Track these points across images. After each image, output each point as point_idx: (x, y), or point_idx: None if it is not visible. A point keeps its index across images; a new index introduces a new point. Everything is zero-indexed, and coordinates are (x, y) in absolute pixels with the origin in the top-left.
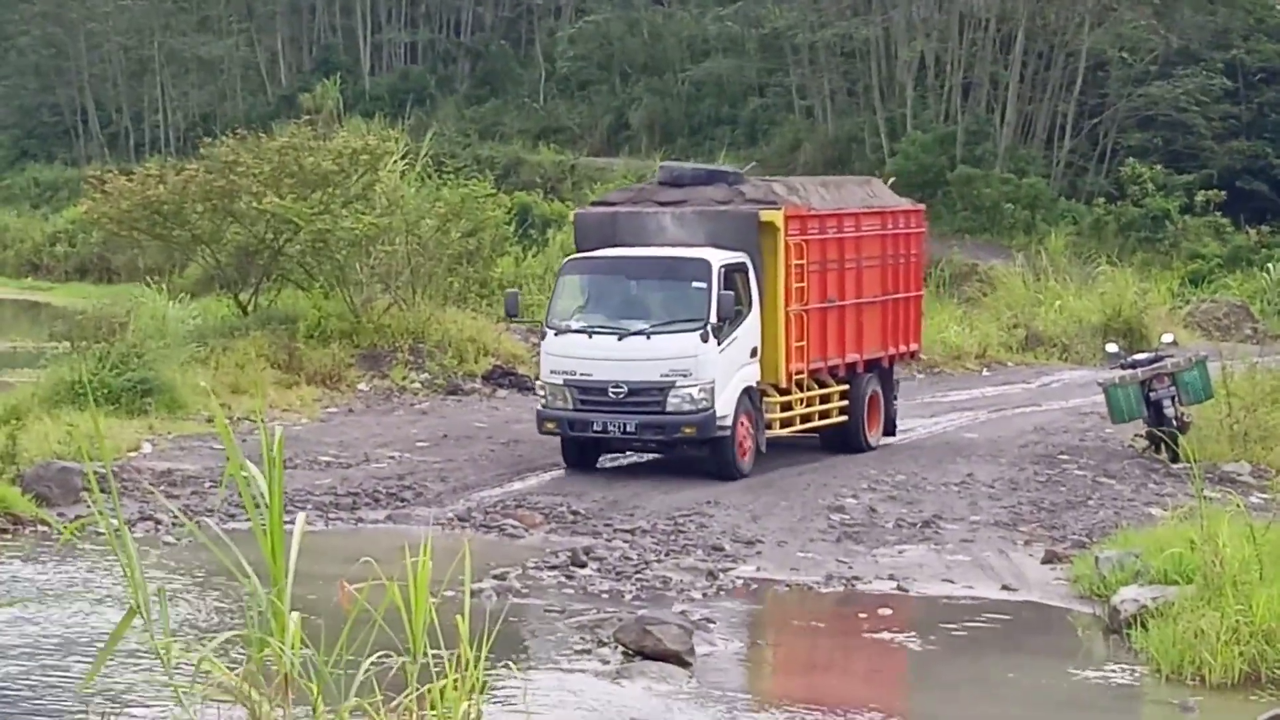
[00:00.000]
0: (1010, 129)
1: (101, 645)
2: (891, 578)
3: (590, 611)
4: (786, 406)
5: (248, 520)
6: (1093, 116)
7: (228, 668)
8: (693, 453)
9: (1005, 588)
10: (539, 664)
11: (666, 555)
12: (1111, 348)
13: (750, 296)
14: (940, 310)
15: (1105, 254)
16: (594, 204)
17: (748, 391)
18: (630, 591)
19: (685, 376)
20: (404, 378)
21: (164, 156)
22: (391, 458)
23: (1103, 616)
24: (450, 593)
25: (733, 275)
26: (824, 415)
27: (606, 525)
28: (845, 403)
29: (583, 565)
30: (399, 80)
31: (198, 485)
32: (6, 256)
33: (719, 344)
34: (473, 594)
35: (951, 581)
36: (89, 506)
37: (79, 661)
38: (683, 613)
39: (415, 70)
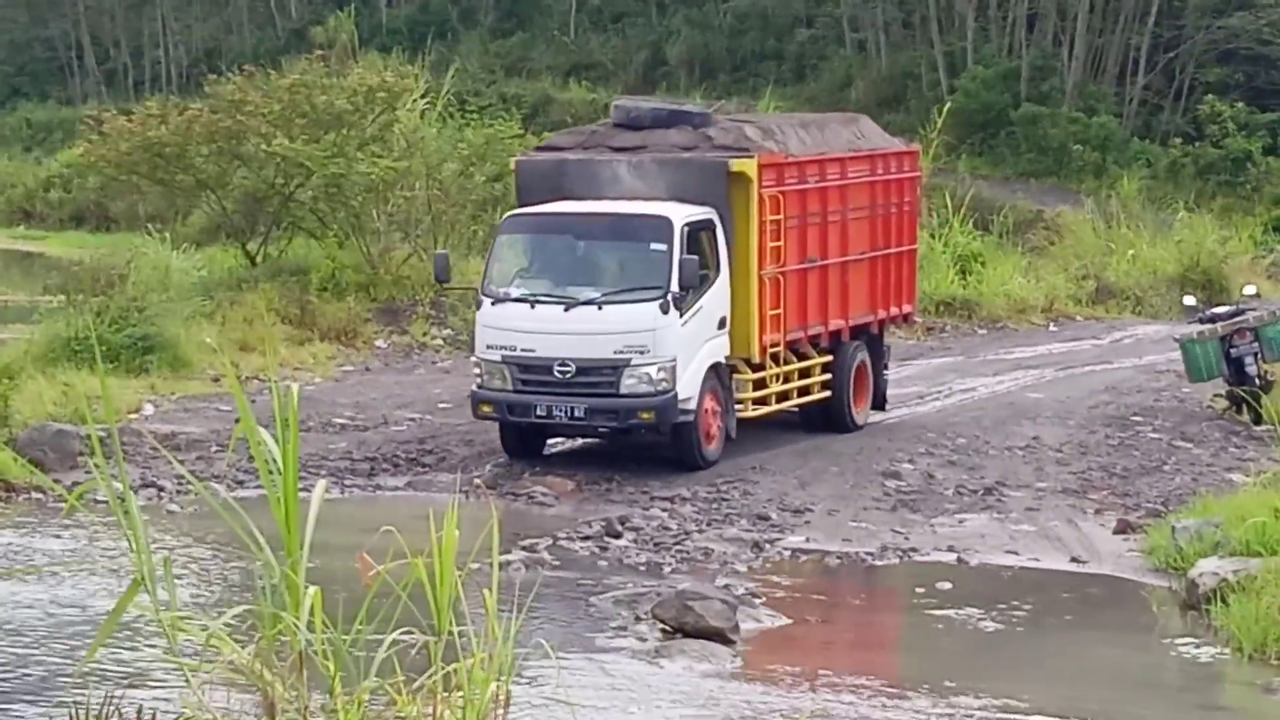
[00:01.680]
0: (1079, 64)
1: (103, 620)
2: (951, 549)
3: (626, 585)
4: (760, 384)
5: (257, 487)
6: (1169, 50)
7: (238, 645)
8: (651, 439)
9: (1074, 560)
10: (572, 642)
11: (708, 525)
12: (1189, 300)
13: (718, 259)
14: (1003, 260)
15: (1182, 199)
16: (539, 149)
17: (715, 369)
18: (669, 564)
19: (642, 354)
20: (425, 333)
21: (166, 95)
22: (412, 420)
23: (1179, 591)
24: (476, 565)
25: (698, 235)
26: (804, 392)
27: (644, 493)
28: (828, 376)
29: (618, 536)
30: (418, 12)
31: (203, 449)
32: None
33: (681, 315)
34: (500, 567)
35: (1016, 553)
36: (87, 472)
37: (79, 638)
38: (726, 587)
39: (436, 1)
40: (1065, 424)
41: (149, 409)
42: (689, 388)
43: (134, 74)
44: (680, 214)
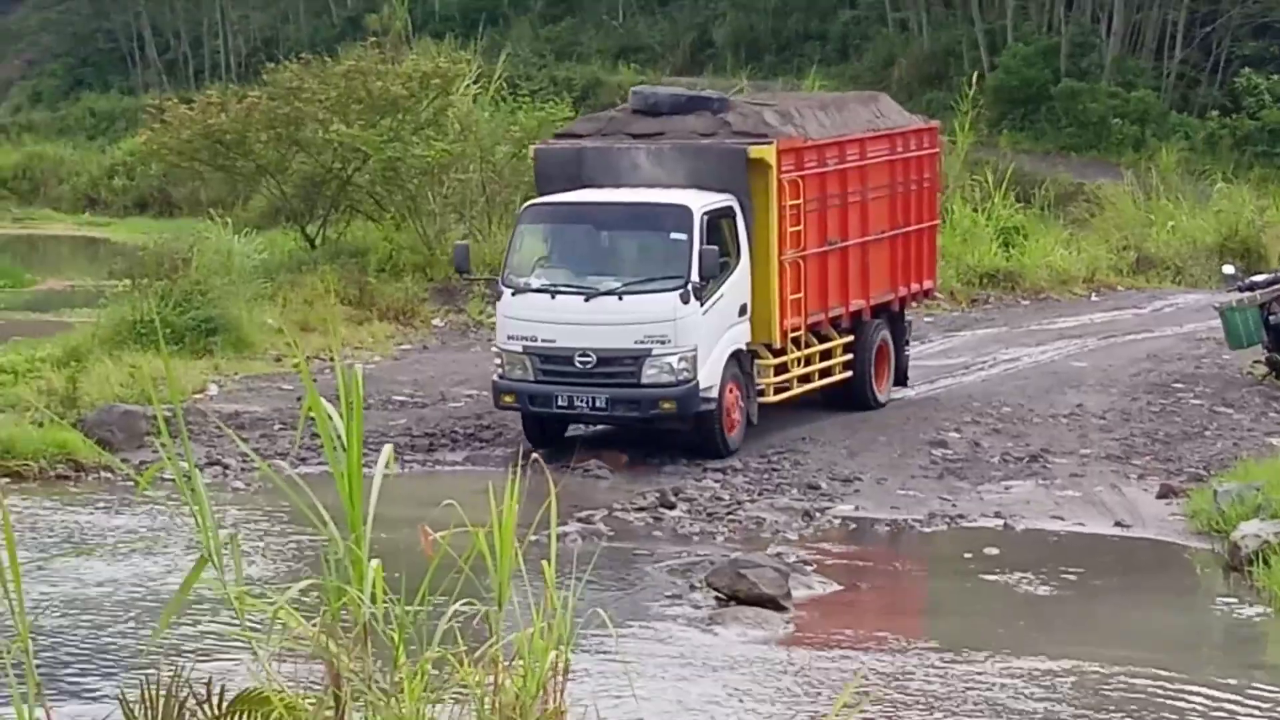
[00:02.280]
0: (1117, 39)
1: (171, 596)
2: (998, 515)
3: (681, 555)
4: (782, 369)
5: (319, 464)
6: (1205, 24)
7: (304, 618)
8: (673, 427)
9: (1118, 524)
10: (628, 611)
11: (760, 494)
12: (1228, 269)
13: (738, 245)
14: (1045, 233)
15: (1220, 170)
16: (558, 135)
17: (736, 356)
18: (722, 533)
19: (663, 343)
20: (480, 312)
21: (225, 83)
22: (469, 396)
23: (1222, 553)
24: (534, 537)
25: (718, 222)
26: (825, 373)
27: (696, 464)
28: (849, 356)
29: (672, 506)
30: None
31: (266, 427)
32: (63, 191)
33: (702, 305)
34: (558, 538)
35: (1061, 518)
36: (154, 451)
37: (149, 613)
38: (778, 555)
39: None
40: (1108, 392)
41: (213, 389)
42: (710, 376)
43: (194, 63)
44: (700, 202)
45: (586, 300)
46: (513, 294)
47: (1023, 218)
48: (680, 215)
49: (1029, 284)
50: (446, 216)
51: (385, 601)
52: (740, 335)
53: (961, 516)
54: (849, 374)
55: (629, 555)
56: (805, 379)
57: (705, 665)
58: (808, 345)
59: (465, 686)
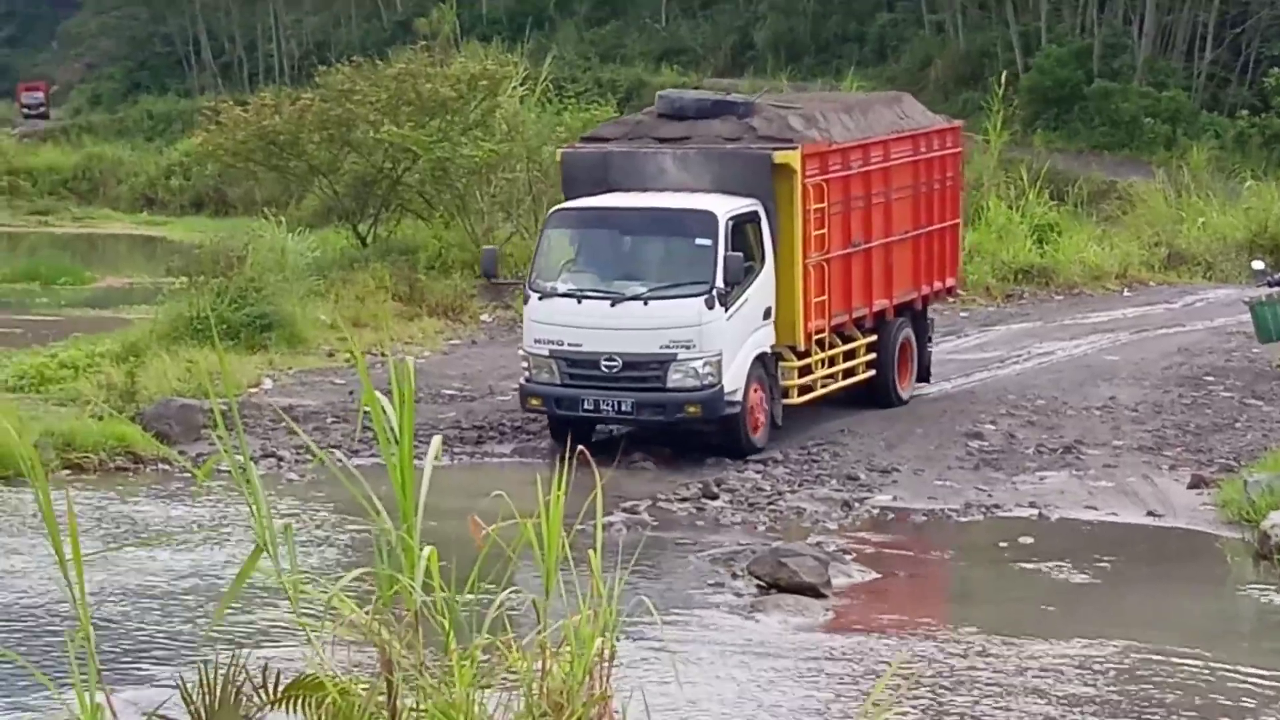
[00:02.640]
0: (1149, 40)
1: (228, 585)
2: (1032, 505)
3: (723, 544)
4: (806, 371)
5: (371, 456)
6: (1234, 26)
7: (357, 606)
8: (699, 429)
9: (1150, 514)
10: (672, 599)
11: (800, 485)
12: (1258, 264)
13: (763, 250)
14: (1078, 230)
15: (1250, 168)
16: (584, 139)
17: (760, 359)
18: (763, 523)
19: (688, 348)
20: None
21: (278, 86)
22: (516, 390)
23: (1252, 542)
24: (581, 527)
25: (743, 227)
26: (849, 373)
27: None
28: (872, 355)
29: (714, 497)
30: (517, 3)
31: (320, 420)
32: (121, 191)
33: (726, 310)
34: (604, 528)
35: (1095, 508)
36: (210, 444)
37: (206, 601)
38: (818, 544)
39: None
40: (1140, 384)
41: (268, 383)
42: (735, 380)
43: (248, 66)
44: (725, 208)
45: (613, 305)
46: (539, 298)
47: (1056, 215)
48: (705, 221)
49: (1063, 279)
50: (494, 215)
51: (437, 589)
52: (765, 339)
53: (997, 506)
54: (872, 373)
55: (673, 544)
56: (829, 380)
57: (747, 652)
58: (831, 346)
59: (514, 673)
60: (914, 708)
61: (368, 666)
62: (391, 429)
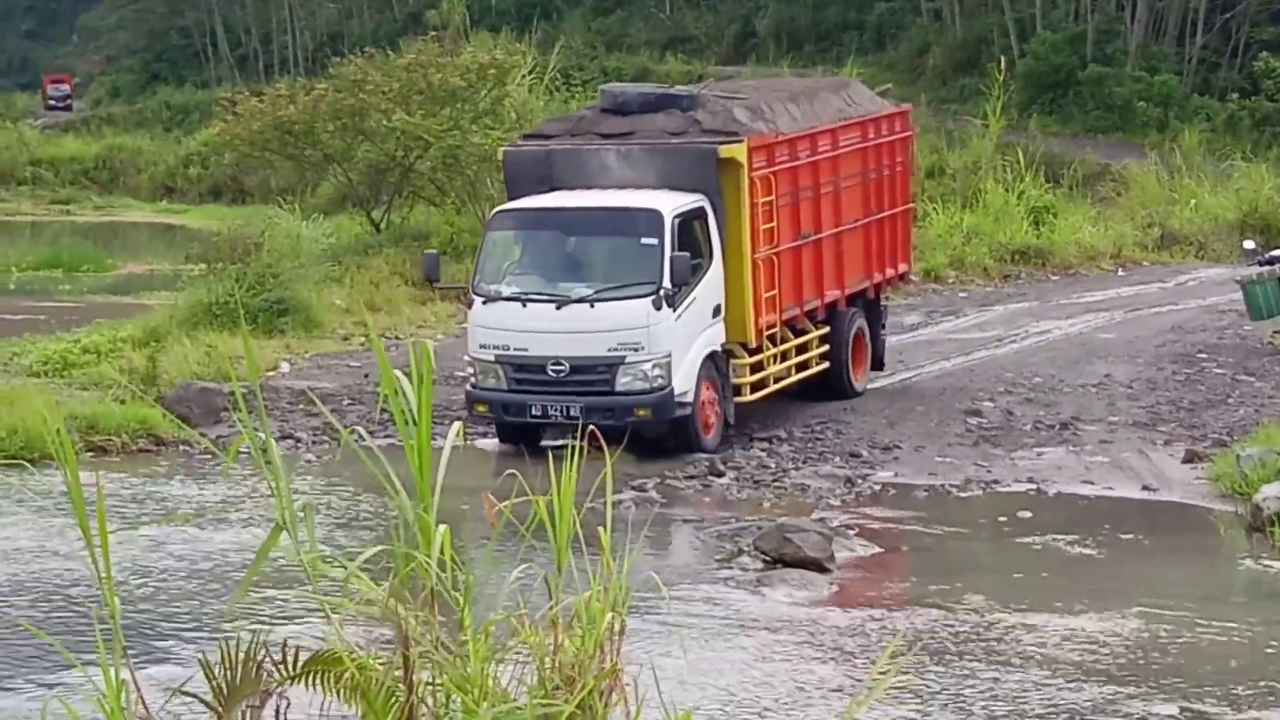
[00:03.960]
0: (1141, 26)
1: (249, 563)
2: (1030, 480)
3: (729, 520)
4: (758, 367)
5: (386, 437)
6: (1225, 11)
7: (374, 583)
8: (649, 432)
9: (1145, 488)
10: (680, 574)
11: (804, 462)
12: (1248, 244)
13: (711, 247)
14: (1074, 211)
15: (1240, 150)
16: (525, 137)
17: (711, 357)
18: (769, 500)
19: (636, 350)
20: None
21: (293, 77)
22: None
23: (1245, 515)
24: (591, 505)
25: (689, 224)
26: (803, 367)
27: (744, 433)
28: (826, 348)
29: (720, 475)
30: None
31: (336, 403)
32: (141, 180)
33: (674, 310)
34: (614, 505)
35: (1091, 483)
36: (229, 426)
37: (227, 579)
38: (822, 520)
39: None
40: (1135, 362)
41: (285, 367)
42: (685, 381)
43: (264, 58)
44: (670, 205)
45: (558, 308)
46: (484, 302)
47: (1052, 197)
48: (651, 219)
49: (1058, 260)
50: (504, 201)
51: (452, 566)
52: (715, 337)
53: (996, 482)
54: (826, 365)
55: (680, 521)
56: (782, 376)
57: (754, 625)
58: (783, 340)
59: (527, 647)
60: (918, 678)
61: (385, 642)
62: (410, 410)
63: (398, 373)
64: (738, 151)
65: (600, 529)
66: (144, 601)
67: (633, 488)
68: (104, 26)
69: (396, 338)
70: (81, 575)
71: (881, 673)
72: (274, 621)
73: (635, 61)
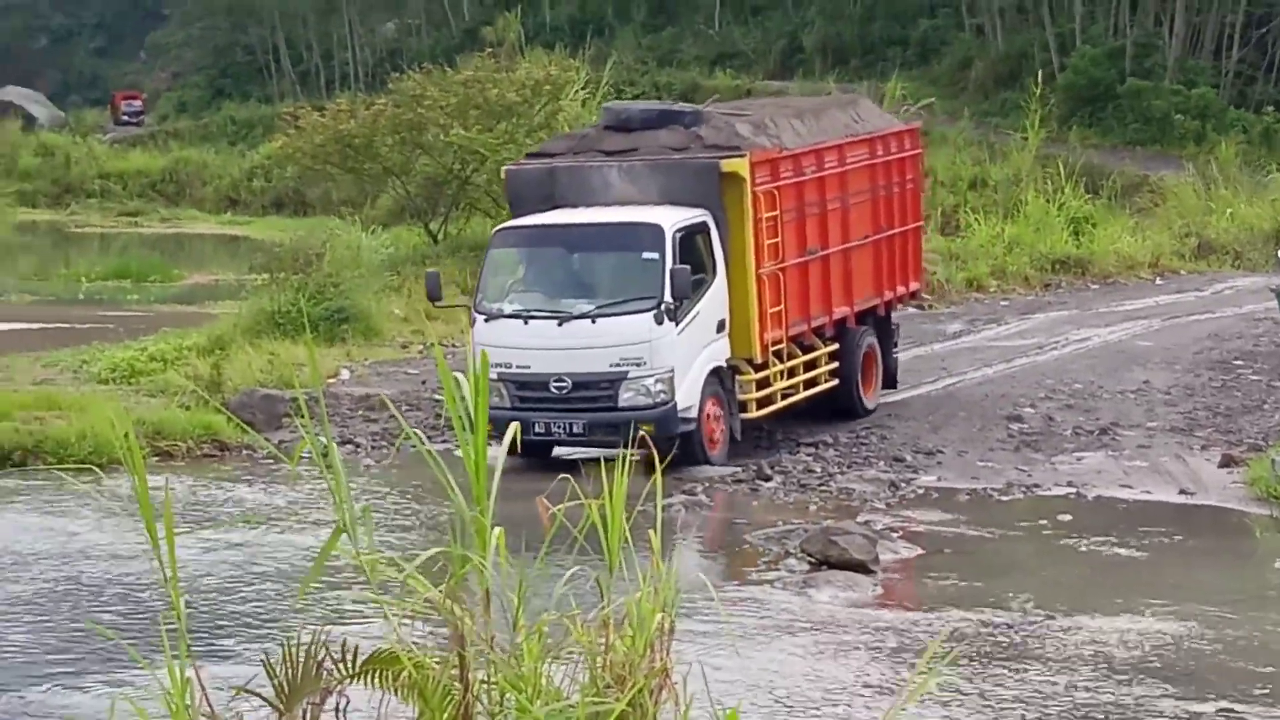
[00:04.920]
0: (1179, 40)
1: (310, 564)
2: (1070, 484)
3: (776, 523)
4: (764, 383)
5: (442, 443)
6: (1260, 26)
7: (431, 584)
8: (655, 449)
9: (1182, 492)
10: (728, 575)
11: (849, 467)
12: None
13: (714, 261)
14: (1113, 221)
15: (1275, 162)
16: (529, 156)
17: (716, 373)
18: (815, 503)
19: (639, 365)
20: None
21: (354, 92)
22: None
23: (1279, 517)
24: (642, 508)
25: (691, 239)
26: (811, 384)
27: (790, 439)
28: (835, 364)
29: (768, 479)
30: (578, 11)
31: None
32: (206, 193)
33: (677, 324)
34: (664, 509)
35: (1130, 487)
36: (291, 432)
37: (288, 580)
38: (866, 523)
39: (593, 0)
40: (1172, 369)
41: (345, 374)
42: (689, 396)
43: (325, 74)
44: (671, 219)
45: (560, 325)
46: (486, 320)
47: (1091, 208)
48: (652, 234)
49: (1098, 269)
50: None
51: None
52: (719, 352)
53: (1037, 486)
54: (835, 383)
55: (729, 524)
56: (790, 392)
57: (800, 626)
58: (790, 357)
59: (579, 647)
60: (960, 677)
61: (441, 641)
62: (467, 415)
63: (458, 375)
64: (740, 166)
65: (651, 531)
66: (208, 602)
67: (683, 492)
68: (171, 44)
69: (454, 346)
70: (147, 576)
71: (924, 672)
72: (334, 621)
73: (685, 76)
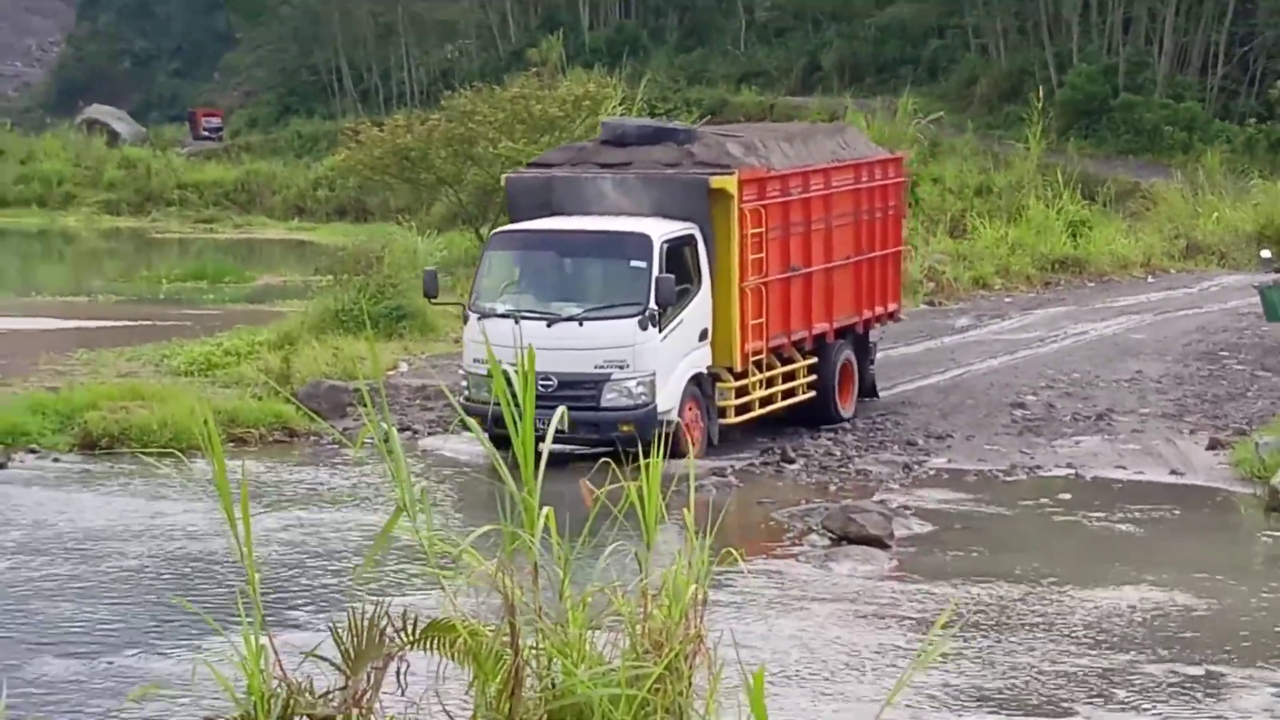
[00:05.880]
0: (1168, 58)
1: (373, 540)
2: (1069, 466)
3: (799, 502)
4: (743, 391)
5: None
6: (1243, 44)
7: (484, 558)
8: (633, 448)
9: (1173, 472)
10: (756, 550)
11: (866, 450)
12: (1265, 254)
13: (699, 272)
14: (1107, 224)
15: (1257, 169)
16: (529, 165)
17: (696, 379)
18: (835, 484)
19: (622, 368)
20: None
21: (410, 109)
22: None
23: (1263, 496)
24: (676, 489)
25: (679, 250)
26: (789, 394)
27: (811, 425)
28: (813, 377)
29: (791, 461)
30: (615, 33)
31: (449, 399)
32: (275, 201)
33: (660, 331)
34: (696, 489)
35: (1124, 468)
36: (355, 420)
37: (355, 555)
38: (882, 501)
39: (629, 24)
40: (1163, 359)
41: (403, 366)
42: (669, 400)
43: (383, 92)
44: (660, 231)
45: (549, 326)
46: (479, 319)
47: (1088, 212)
48: (640, 243)
49: (1094, 268)
50: None
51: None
52: (701, 359)
53: (1038, 467)
54: (812, 394)
55: (756, 503)
56: (768, 401)
57: (821, 597)
58: (770, 367)
59: (620, 616)
60: (971, 645)
61: (493, 611)
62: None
63: (506, 366)
64: (728, 183)
65: (685, 509)
66: (280, 576)
67: (714, 473)
68: (243, 65)
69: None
70: (225, 553)
71: (936, 639)
72: (396, 593)
73: (714, 94)
